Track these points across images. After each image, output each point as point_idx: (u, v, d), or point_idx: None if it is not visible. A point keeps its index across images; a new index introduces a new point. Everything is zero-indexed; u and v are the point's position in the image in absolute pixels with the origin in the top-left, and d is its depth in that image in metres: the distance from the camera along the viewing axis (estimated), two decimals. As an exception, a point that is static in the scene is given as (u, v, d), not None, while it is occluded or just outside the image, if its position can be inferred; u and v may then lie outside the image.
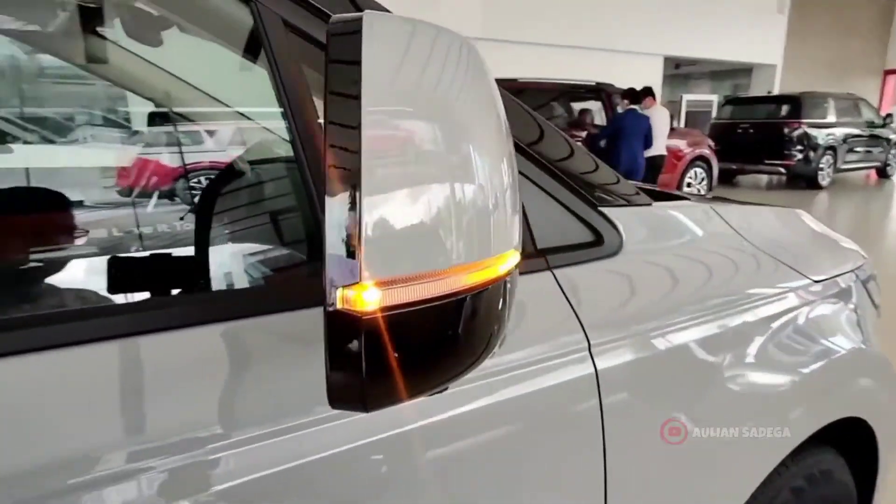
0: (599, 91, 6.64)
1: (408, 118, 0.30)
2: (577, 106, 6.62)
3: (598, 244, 0.76)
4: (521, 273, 0.67)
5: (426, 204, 0.30)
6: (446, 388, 0.39)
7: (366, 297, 0.28)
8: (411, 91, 0.31)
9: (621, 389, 0.70)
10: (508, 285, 0.39)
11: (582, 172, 0.79)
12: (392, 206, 0.29)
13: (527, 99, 6.28)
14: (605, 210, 0.78)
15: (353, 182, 0.28)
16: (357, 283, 0.28)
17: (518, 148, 0.70)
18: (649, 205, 0.87)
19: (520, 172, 0.69)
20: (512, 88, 5.99)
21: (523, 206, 0.69)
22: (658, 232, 0.85)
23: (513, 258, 0.38)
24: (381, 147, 0.29)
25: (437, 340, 0.32)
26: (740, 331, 0.81)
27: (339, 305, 0.28)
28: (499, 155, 0.37)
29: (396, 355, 0.30)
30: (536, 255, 0.70)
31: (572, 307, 0.69)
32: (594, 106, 6.62)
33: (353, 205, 0.28)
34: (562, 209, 0.74)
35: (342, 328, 0.28)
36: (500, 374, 0.61)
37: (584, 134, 5.93)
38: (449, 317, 0.32)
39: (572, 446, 0.66)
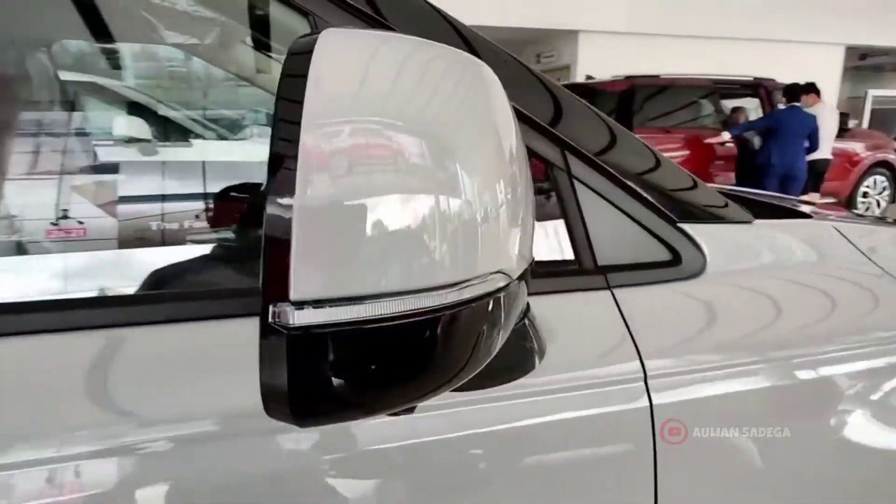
0: (757, 86, 5.98)
1: (358, 132, 0.29)
2: (730, 104, 6.02)
3: (674, 264, 0.69)
4: (574, 291, 0.63)
5: (372, 222, 0.29)
6: (411, 411, 0.37)
7: (294, 314, 0.28)
8: (366, 106, 0.30)
9: (685, 430, 0.62)
10: (496, 308, 0.36)
11: (662, 184, 0.71)
12: (329, 223, 0.28)
13: (670, 97, 5.87)
14: (687, 226, 0.70)
15: (287, 195, 0.28)
16: (286, 298, 0.28)
17: (580, 155, 0.65)
18: (749, 222, 0.76)
19: (581, 182, 0.65)
20: (652, 86, 5.54)
21: (583, 220, 0.65)
22: (756, 254, 0.74)
23: (496, 281, 0.35)
24: (322, 161, 0.28)
25: (386, 363, 0.31)
26: (845, 380, 0.68)
27: (269, 319, 0.28)
28: (489, 175, 0.35)
29: (329, 376, 0.29)
30: (595, 273, 0.65)
31: (630, 332, 0.63)
32: (750, 104, 5.98)
33: (286, 219, 0.28)
34: (631, 224, 0.67)
35: (271, 341, 0.28)
36: (528, 395, 0.57)
37: (725, 135, 5.36)
38: (399, 340, 0.31)
39: (613, 487, 0.61)
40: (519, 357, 0.57)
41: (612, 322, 0.63)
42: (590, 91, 5.35)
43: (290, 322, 0.28)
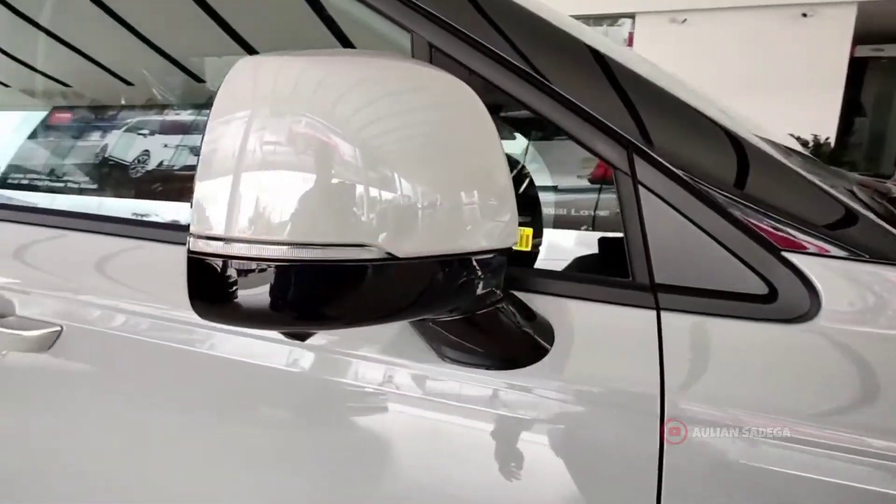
0: None
1: (238, 128, 0.41)
2: None
3: (766, 300, 0.56)
4: (612, 303, 0.59)
5: (242, 184, 0.40)
6: (303, 338, 0.47)
7: (191, 242, 0.42)
8: (250, 106, 0.41)
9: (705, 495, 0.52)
10: (356, 273, 0.42)
11: (772, 200, 0.57)
12: (219, 185, 0.40)
13: None
14: (797, 257, 0.55)
15: (197, 166, 0.42)
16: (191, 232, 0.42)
17: (649, 158, 0.59)
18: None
19: (647, 188, 0.60)
20: None
21: (643, 230, 0.59)
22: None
23: (359, 251, 0.41)
24: (221, 142, 0.41)
25: (245, 292, 0.42)
26: None
27: (187, 244, 0.43)
28: (373, 167, 0.41)
29: (212, 289, 0.42)
30: (645, 289, 0.58)
31: (661, 362, 0.55)
32: None
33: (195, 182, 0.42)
34: (710, 242, 0.57)
35: (187, 256, 0.43)
36: (522, 391, 0.58)
37: None
38: (255, 277, 0.41)
39: None
40: (514, 346, 0.59)
41: (641, 345, 0.56)
42: None
43: (190, 247, 0.42)
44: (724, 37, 7.82)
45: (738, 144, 0.61)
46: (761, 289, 0.56)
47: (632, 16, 8.31)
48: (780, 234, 0.56)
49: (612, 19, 8.65)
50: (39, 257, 0.89)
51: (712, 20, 7.90)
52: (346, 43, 0.80)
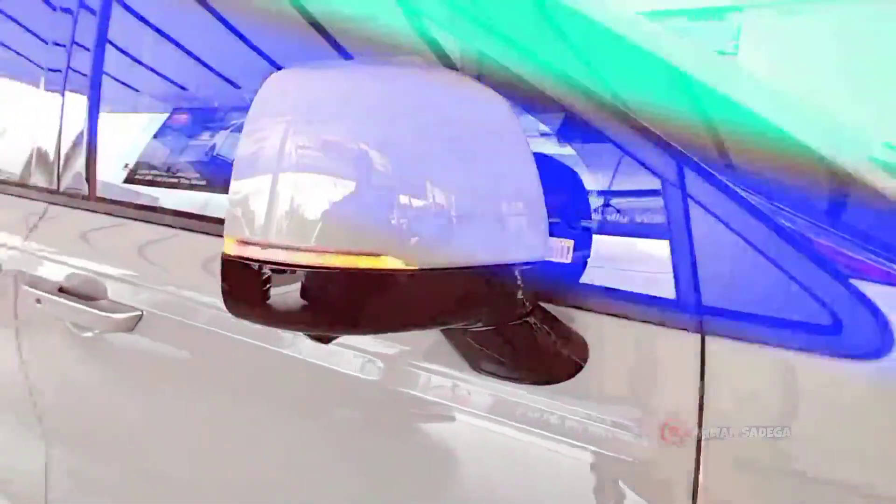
0: None
1: (267, 135, 0.43)
2: None
3: (828, 332, 0.50)
4: (652, 323, 0.56)
5: (268, 191, 0.42)
6: (326, 341, 0.48)
7: (227, 246, 0.45)
8: (277, 114, 0.43)
9: None
10: (372, 281, 0.43)
11: (844, 225, 0.52)
12: (248, 191, 0.43)
13: None
14: (869, 287, 0.49)
15: (231, 172, 0.44)
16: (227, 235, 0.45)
17: (701, 170, 0.55)
18: None
19: (697, 202, 0.56)
20: None
21: (691, 247, 0.56)
22: None
23: (374, 262, 0.42)
24: (252, 149, 0.43)
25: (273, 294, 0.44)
26: None
27: (224, 247, 0.45)
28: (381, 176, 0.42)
29: (242, 289, 0.44)
30: (691, 311, 0.55)
31: (702, 390, 0.51)
32: None
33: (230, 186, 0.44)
34: (767, 265, 0.53)
35: (222, 257, 0.45)
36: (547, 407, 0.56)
37: None
38: (290, 279, 0.42)
39: None
40: (544, 360, 0.57)
41: (681, 371, 0.53)
42: None
43: (225, 250, 0.45)
44: (843, 31, 7.11)
45: (809, 158, 0.55)
46: (823, 319, 0.51)
47: (739, 9, 7.77)
48: (848, 258, 0.51)
49: (718, 14, 8.13)
50: (139, 250, 0.98)
51: (830, 13, 7.20)
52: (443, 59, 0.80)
